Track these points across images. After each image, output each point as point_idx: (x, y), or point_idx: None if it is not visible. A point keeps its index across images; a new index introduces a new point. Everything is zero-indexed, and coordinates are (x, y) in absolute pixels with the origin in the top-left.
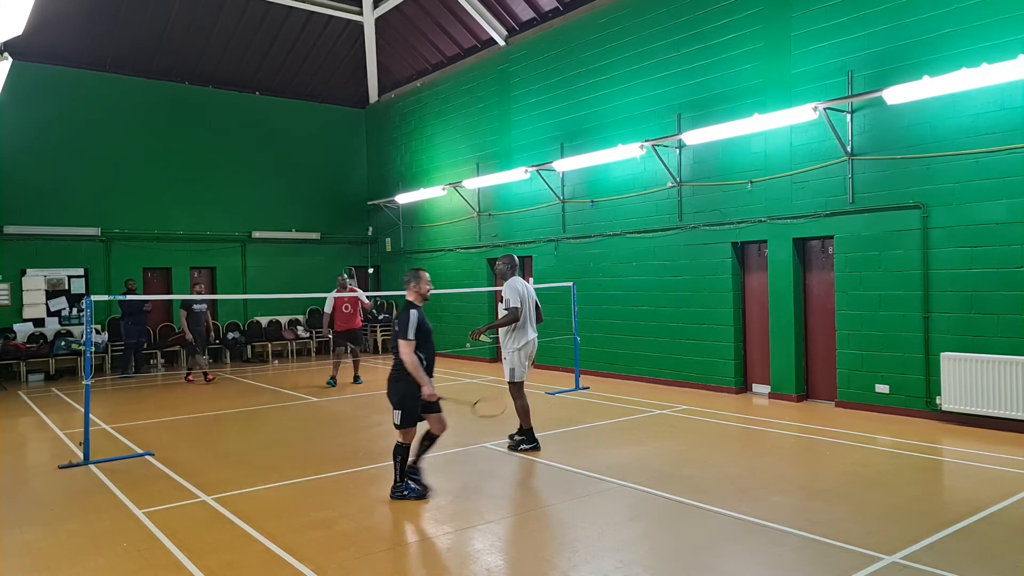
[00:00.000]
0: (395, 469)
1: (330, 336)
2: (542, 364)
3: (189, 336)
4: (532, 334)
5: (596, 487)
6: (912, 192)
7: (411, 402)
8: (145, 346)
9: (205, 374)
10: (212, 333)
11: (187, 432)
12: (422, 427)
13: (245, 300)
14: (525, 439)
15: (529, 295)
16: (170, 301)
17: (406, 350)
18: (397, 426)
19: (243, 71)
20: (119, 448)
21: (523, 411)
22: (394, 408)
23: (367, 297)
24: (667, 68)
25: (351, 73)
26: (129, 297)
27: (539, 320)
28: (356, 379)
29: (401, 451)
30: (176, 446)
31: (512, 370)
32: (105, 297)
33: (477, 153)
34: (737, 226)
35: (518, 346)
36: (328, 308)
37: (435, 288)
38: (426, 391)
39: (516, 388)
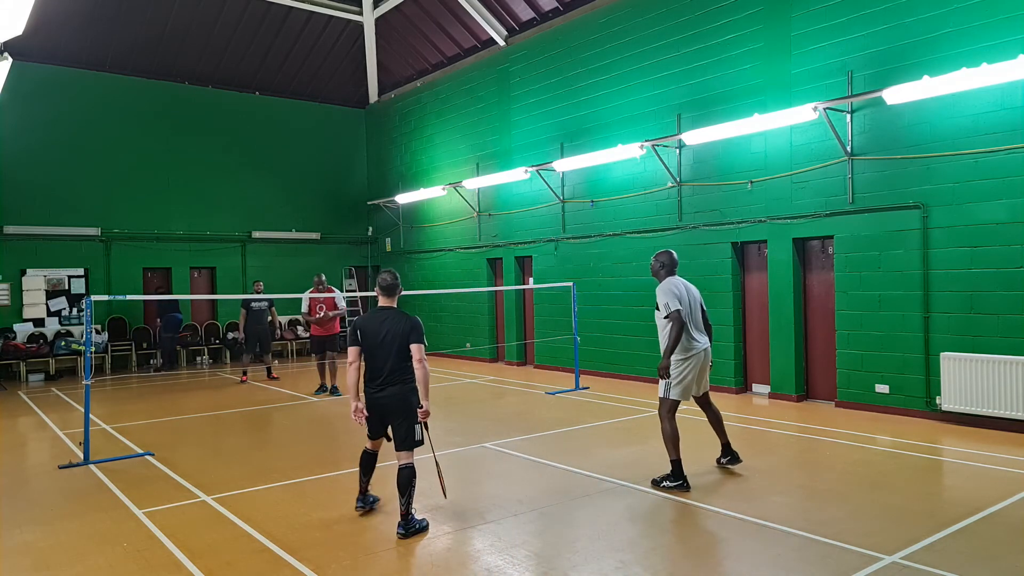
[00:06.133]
0: (409, 501)
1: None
2: (542, 364)
3: (241, 336)
4: (701, 342)
5: (596, 487)
6: (912, 192)
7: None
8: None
9: (268, 371)
10: (279, 331)
11: (187, 432)
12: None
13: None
14: (670, 475)
15: (691, 295)
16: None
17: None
18: (420, 443)
19: (243, 71)
20: (119, 448)
21: (669, 439)
22: (416, 424)
23: (345, 300)
24: (667, 68)
25: (351, 73)
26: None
27: (707, 327)
28: (333, 389)
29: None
30: (176, 446)
31: (668, 384)
32: (105, 297)
33: (477, 153)
34: (737, 226)
35: (682, 356)
36: (304, 307)
37: (434, 288)
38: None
39: (665, 408)
